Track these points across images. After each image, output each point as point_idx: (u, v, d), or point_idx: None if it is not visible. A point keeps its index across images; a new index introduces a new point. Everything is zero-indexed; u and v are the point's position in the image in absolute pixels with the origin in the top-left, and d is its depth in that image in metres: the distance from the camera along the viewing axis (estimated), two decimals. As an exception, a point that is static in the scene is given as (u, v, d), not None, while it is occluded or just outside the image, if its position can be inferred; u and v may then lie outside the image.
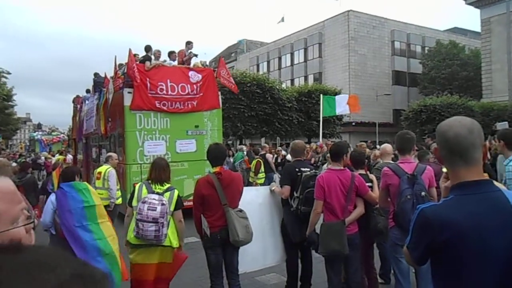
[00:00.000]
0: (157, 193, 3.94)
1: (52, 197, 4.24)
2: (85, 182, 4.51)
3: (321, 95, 15.59)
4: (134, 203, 3.98)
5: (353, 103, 15.50)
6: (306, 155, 10.33)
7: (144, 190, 4.00)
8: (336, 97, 16.35)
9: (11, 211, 0.93)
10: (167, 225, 3.89)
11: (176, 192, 4.10)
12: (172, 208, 3.99)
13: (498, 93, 28.67)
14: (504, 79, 28.15)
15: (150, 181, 4.09)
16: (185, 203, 9.10)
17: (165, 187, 4.05)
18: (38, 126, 51.95)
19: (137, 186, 4.12)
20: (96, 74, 13.47)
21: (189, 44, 11.45)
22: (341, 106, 15.26)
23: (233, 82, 11.26)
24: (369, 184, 4.36)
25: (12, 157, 21.45)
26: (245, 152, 14.25)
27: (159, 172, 4.09)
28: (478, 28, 32.62)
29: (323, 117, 15.78)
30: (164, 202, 3.86)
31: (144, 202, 3.82)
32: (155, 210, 3.78)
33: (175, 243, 4.02)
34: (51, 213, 4.10)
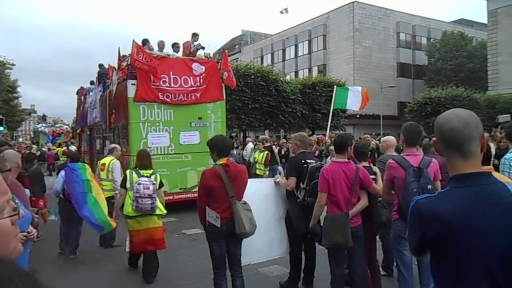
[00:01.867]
0: (146, 176, 5.13)
1: (62, 172, 6.34)
2: (85, 164, 6.95)
3: (335, 86, 15.09)
4: (127, 185, 5.17)
5: (365, 99, 15.01)
6: (310, 148, 10.31)
7: (134, 175, 5.18)
8: (350, 88, 15.63)
9: None
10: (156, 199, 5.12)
11: (158, 175, 5.34)
12: (157, 187, 5.17)
13: (504, 85, 28.44)
14: (510, 71, 27.88)
15: (137, 168, 5.28)
16: (189, 195, 9.24)
17: (150, 171, 5.27)
18: (43, 118, 52.02)
19: (127, 172, 5.34)
20: (100, 66, 13.44)
21: (195, 36, 11.39)
22: (353, 99, 14.58)
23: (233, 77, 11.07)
24: (373, 176, 4.34)
25: (18, 150, 21.58)
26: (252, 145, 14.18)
27: (145, 159, 5.35)
28: (484, 20, 32.28)
29: (334, 109, 15.15)
30: (154, 182, 5.11)
31: (139, 184, 5.00)
32: (149, 189, 5.01)
33: (163, 211, 5.31)
34: (61, 183, 6.22)
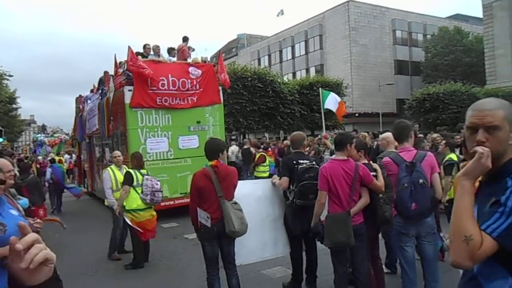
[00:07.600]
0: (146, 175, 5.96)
1: (50, 168, 11.85)
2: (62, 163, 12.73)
3: (320, 88, 15.60)
4: (134, 183, 5.85)
5: (340, 110, 15.65)
6: (308, 149, 10.41)
7: (138, 174, 5.92)
8: (331, 93, 16.40)
9: None
10: None
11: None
12: None
13: (502, 79, 28.36)
14: (508, 64, 27.86)
15: (136, 168, 6.02)
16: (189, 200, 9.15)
17: (145, 171, 6.14)
18: (43, 128, 52.07)
19: (132, 172, 5.97)
20: (105, 73, 13.38)
21: (186, 40, 11.46)
22: (332, 102, 15.31)
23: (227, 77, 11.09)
24: (373, 173, 4.30)
25: (18, 159, 21.48)
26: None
27: (142, 160, 6.27)
28: (480, 14, 32.28)
29: (324, 110, 15.83)
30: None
31: (151, 180, 5.83)
32: (158, 185, 5.88)
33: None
34: (50, 174, 11.54)
